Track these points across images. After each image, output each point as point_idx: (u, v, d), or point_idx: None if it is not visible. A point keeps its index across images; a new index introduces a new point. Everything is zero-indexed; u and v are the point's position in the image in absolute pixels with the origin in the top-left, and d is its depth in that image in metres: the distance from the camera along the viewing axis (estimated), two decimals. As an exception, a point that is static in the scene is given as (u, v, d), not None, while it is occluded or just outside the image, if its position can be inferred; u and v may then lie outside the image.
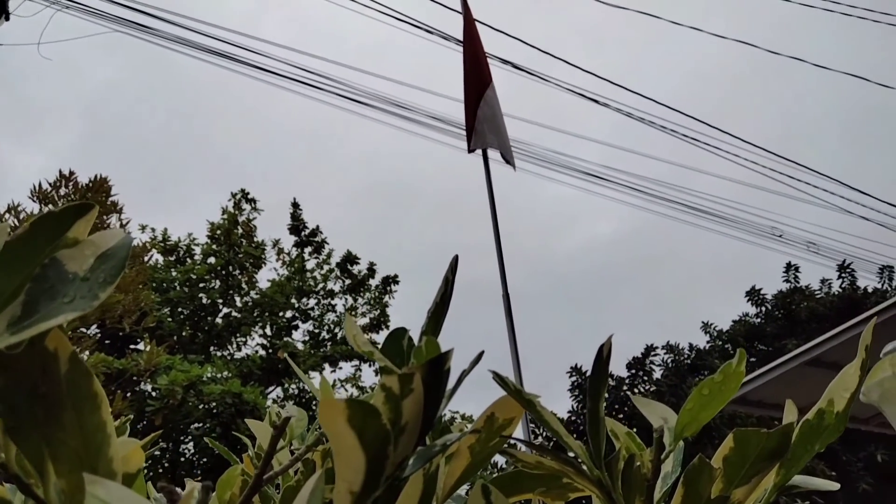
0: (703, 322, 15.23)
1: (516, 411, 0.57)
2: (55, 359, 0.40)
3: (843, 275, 14.37)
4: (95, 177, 4.56)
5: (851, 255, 12.62)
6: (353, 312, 13.28)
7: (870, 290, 14.13)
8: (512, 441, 0.62)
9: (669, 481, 0.68)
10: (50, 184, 4.34)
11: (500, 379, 0.54)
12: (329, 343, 13.02)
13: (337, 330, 13.36)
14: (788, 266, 14.80)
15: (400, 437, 0.43)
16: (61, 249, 0.44)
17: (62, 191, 4.50)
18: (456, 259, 0.58)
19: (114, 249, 0.45)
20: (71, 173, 4.54)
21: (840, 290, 14.32)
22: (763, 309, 14.81)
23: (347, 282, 13.54)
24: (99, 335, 10.02)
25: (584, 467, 0.54)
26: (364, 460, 0.41)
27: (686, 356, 14.60)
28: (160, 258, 12.49)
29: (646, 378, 14.01)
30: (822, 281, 14.67)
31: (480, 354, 0.53)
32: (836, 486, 0.66)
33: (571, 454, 0.56)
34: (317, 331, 13.35)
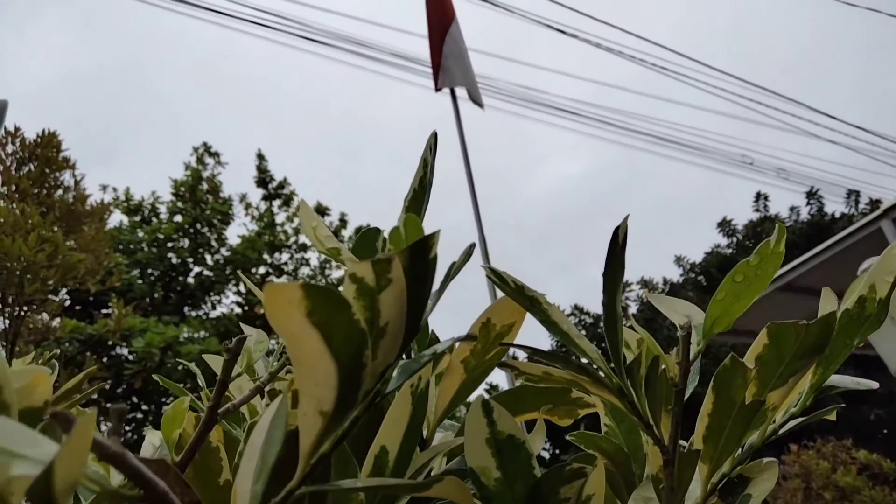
0: (675, 255, 15.40)
1: (516, 315, 0.48)
2: None
3: (811, 201, 14.57)
4: (43, 131, 4.28)
5: (819, 181, 12.75)
6: (329, 265, 13.11)
7: (837, 215, 14.36)
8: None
9: (686, 395, 0.60)
10: (-5, 141, 4.10)
11: (495, 274, 0.44)
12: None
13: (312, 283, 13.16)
14: (758, 195, 14.94)
15: (379, 340, 0.34)
16: None
17: (9, 148, 4.24)
18: (435, 137, 0.47)
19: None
20: (17, 129, 4.26)
21: (809, 217, 14.53)
22: (734, 239, 15.00)
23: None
24: (68, 301, 9.80)
25: (602, 374, 0.45)
26: (335, 370, 0.31)
27: (660, 290, 14.81)
28: (125, 219, 12.15)
29: (625, 313, 14.18)
30: (791, 209, 14.86)
31: (472, 247, 0.44)
32: (874, 384, 0.59)
33: (585, 361, 0.48)
34: (292, 285, 13.16)
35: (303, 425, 0.33)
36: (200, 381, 0.53)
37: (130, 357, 9.67)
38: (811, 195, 14.43)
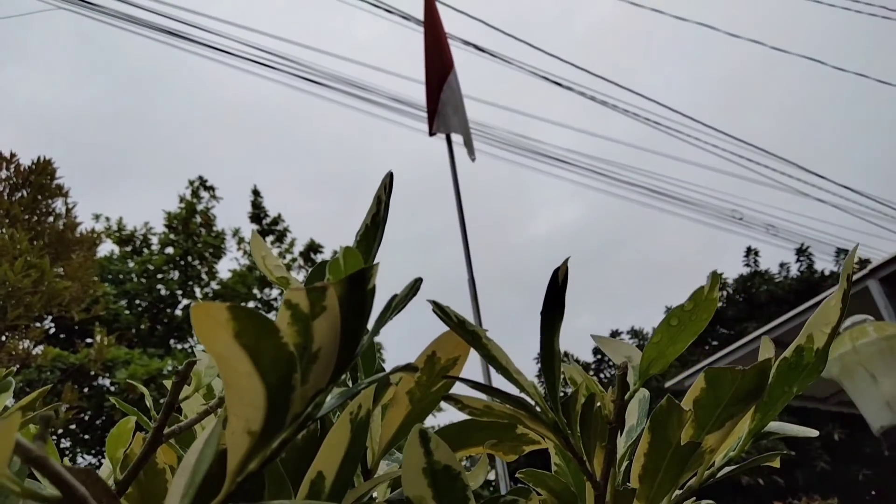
0: (666, 307, 15.43)
1: (461, 349, 0.49)
2: None
3: (801, 258, 14.69)
4: (39, 158, 4.32)
5: (809, 238, 12.90)
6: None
7: (827, 273, 14.47)
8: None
9: (634, 435, 0.61)
10: (-11, 166, 4.12)
11: (438, 308, 0.46)
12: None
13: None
14: (749, 250, 15.07)
15: (311, 365, 0.36)
16: None
17: (3, 173, 4.27)
18: (390, 176, 0.50)
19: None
20: (12, 155, 4.29)
21: (798, 274, 14.64)
22: (725, 293, 15.06)
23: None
24: (52, 329, 9.69)
25: (538, 409, 0.47)
26: (263, 391, 0.33)
27: (650, 340, 14.78)
28: (116, 249, 12.13)
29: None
30: (781, 265, 14.99)
31: (417, 281, 0.45)
32: (814, 432, 0.61)
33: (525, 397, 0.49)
34: (281, 321, 13.10)
35: (231, 444, 0.34)
36: (148, 401, 0.54)
37: (112, 388, 9.55)
38: (801, 252, 14.58)
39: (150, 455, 0.45)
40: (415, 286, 0.46)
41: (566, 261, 0.47)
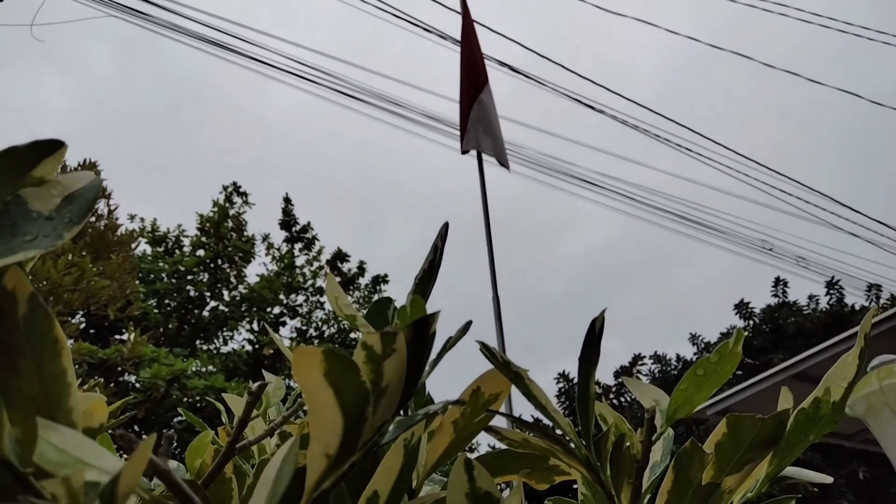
0: (690, 333, 15.26)
1: (503, 386, 0.54)
2: (13, 300, 0.37)
3: (831, 291, 14.45)
4: (84, 160, 4.50)
5: (840, 272, 12.71)
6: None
7: (857, 307, 14.21)
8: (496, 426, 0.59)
9: (658, 471, 0.66)
10: (38, 166, 4.26)
11: (487, 349, 0.51)
12: (317, 341, 12.97)
13: (325, 328, 13.28)
14: (777, 281, 14.86)
15: (380, 399, 0.41)
16: (26, 188, 0.41)
17: (51, 174, 4.44)
18: (446, 226, 0.55)
19: (82, 191, 0.42)
20: (60, 156, 4.46)
21: (828, 307, 14.40)
22: (751, 322, 14.85)
23: (337, 279, 13.46)
24: (84, 324, 9.91)
25: (572, 446, 0.51)
26: (341, 421, 0.39)
27: (673, 367, 14.65)
28: (148, 248, 12.39)
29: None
30: (810, 297, 14.75)
31: (468, 324, 0.51)
32: (829, 479, 0.64)
33: (559, 432, 0.54)
34: (304, 328, 13.28)
35: (310, 464, 0.40)
36: (224, 418, 0.60)
37: (137, 385, 9.72)
38: (831, 285, 14.34)
39: (224, 465, 0.51)
40: (465, 328, 0.51)
41: (603, 312, 0.52)
